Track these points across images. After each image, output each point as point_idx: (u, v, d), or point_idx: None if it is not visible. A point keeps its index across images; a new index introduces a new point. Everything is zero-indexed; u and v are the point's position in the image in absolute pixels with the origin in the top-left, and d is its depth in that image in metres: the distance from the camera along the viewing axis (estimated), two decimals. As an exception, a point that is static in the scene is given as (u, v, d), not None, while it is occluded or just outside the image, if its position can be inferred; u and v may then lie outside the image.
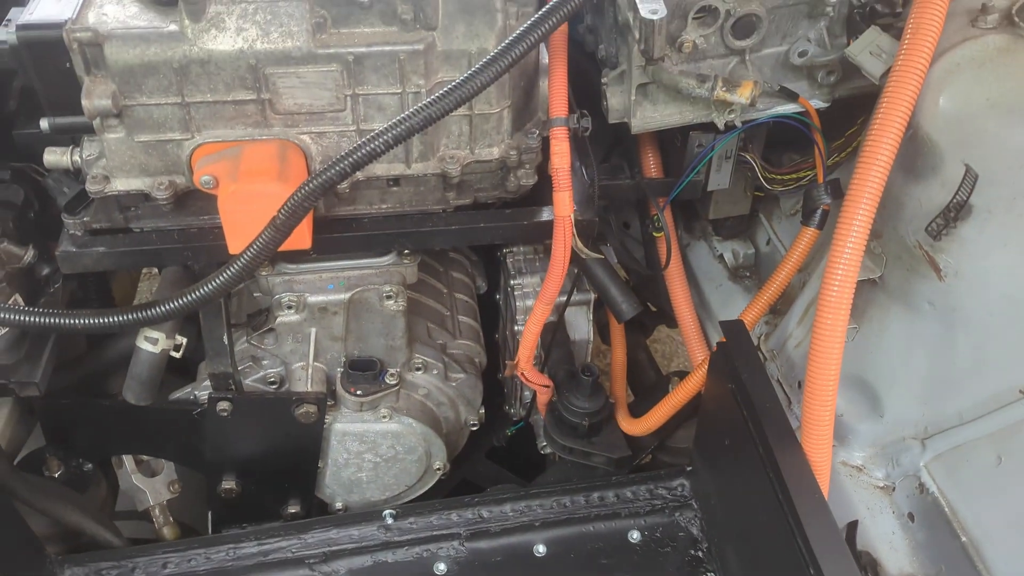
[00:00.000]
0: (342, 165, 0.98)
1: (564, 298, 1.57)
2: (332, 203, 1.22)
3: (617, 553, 1.46)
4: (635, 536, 1.46)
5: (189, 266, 1.26)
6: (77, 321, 1.04)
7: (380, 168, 1.20)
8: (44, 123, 1.12)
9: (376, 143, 0.97)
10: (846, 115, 1.28)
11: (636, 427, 1.50)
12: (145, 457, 1.56)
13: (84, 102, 1.05)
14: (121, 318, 1.04)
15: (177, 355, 1.23)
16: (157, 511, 1.58)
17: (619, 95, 1.22)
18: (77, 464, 1.54)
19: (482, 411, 1.59)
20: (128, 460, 1.55)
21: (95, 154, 1.16)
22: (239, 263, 1.02)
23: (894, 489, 1.24)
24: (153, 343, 1.16)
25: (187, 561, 1.42)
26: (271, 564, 1.43)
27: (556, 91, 1.18)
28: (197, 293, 1.04)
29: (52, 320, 1.03)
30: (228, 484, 1.46)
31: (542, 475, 1.69)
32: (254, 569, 1.42)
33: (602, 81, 1.23)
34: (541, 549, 1.45)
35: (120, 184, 1.15)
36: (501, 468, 1.82)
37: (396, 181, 1.23)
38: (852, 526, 1.22)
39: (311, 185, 0.99)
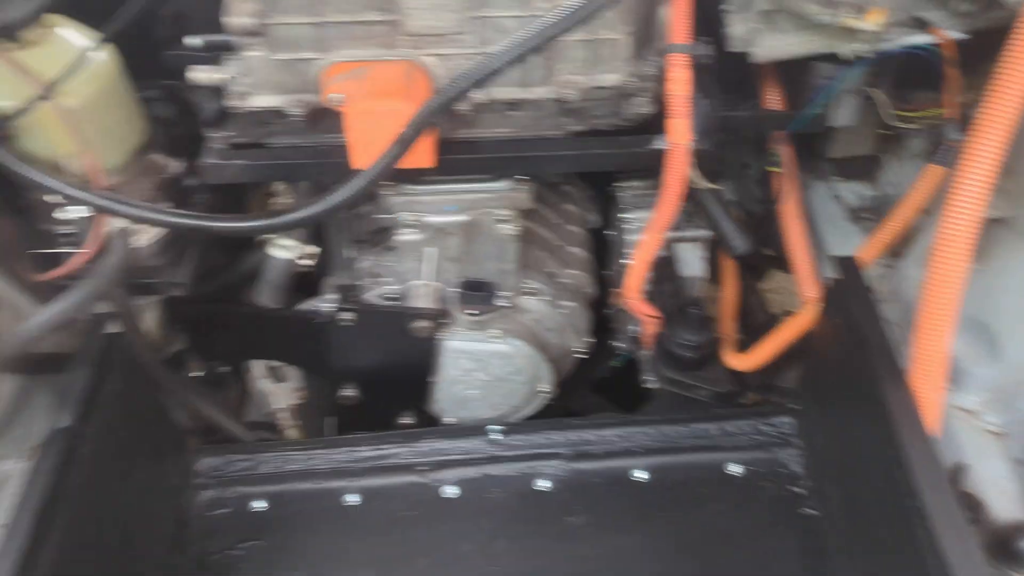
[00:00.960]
0: (463, 83, 1.02)
1: (675, 232, 1.58)
2: (454, 125, 1.27)
3: (715, 484, 1.48)
4: (734, 469, 1.48)
5: (320, 182, 1.33)
6: (221, 224, 1.13)
7: (499, 91, 1.23)
8: (194, 40, 1.20)
9: (495, 62, 1.01)
10: (984, 50, 1.22)
11: (742, 362, 1.50)
12: (275, 364, 1.69)
13: (228, 19, 1.13)
14: (258, 223, 1.13)
15: (310, 262, 1.31)
16: (283, 414, 1.71)
17: (741, 22, 1.20)
18: (214, 366, 1.67)
19: (588, 339, 1.62)
20: (259, 367, 1.68)
21: (236, 72, 1.24)
22: (366, 176, 1.08)
23: (1008, 435, 1.21)
24: (285, 250, 1.25)
25: (308, 459, 1.54)
26: (385, 468, 1.53)
27: (678, 16, 1.18)
28: (326, 203, 1.11)
29: (198, 222, 1.12)
30: (348, 391, 1.56)
31: (645, 405, 1.72)
32: (369, 472, 1.53)
33: (723, 7, 1.22)
34: (640, 474, 1.49)
35: (258, 101, 1.23)
36: (604, 400, 1.86)
37: (514, 105, 1.26)
38: (960, 468, 1.20)
39: (434, 102, 1.04)
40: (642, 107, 1.28)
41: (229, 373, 1.68)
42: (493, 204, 1.37)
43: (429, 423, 1.68)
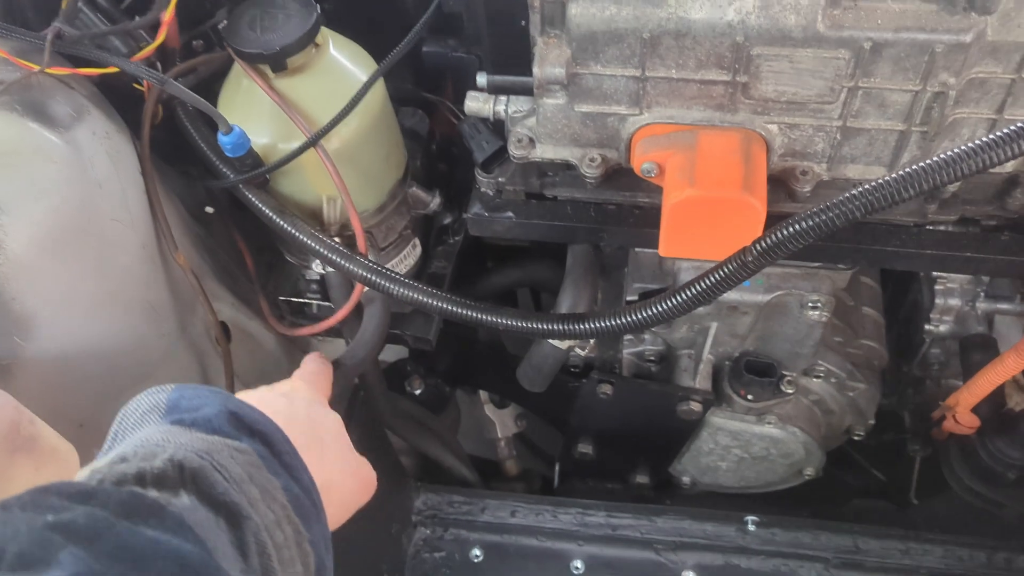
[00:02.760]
0: (852, 206, 0.77)
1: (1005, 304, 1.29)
2: (779, 198, 1.01)
3: (1017, 629, 1.24)
4: (1043, 615, 1.23)
5: (598, 247, 1.12)
6: (498, 320, 0.95)
7: (853, 170, 0.96)
8: (481, 78, 0.99)
9: (916, 181, 0.74)
10: None
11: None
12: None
13: (536, 69, 0.91)
14: (547, 326, 0.93)
15: (581, 353, 1.13)
16: (503, 443, 1.57)
17: None
18: (437, 384, 1.54)
19: (871, 422, 1.37)
20: (482, 392, 1.54)
21: (523, 112, 1.02)
22: (688, 295, 0.86)
23: None
24: (561, 342, 1.06)
25: (535, 515, 1.40)
26: (617, 539, 1.37)
27: None
28: (627, 317, 0.90)
29: (486, 316, 0.94)
30: (584, 448, 1.39)
31: (923, 504, 1.46)
32: (600, 540, 1.37)
33: None
34: (921, 600, 1.27)
35: (547, 152, 1.02)
36: (862, 461, 1.61)
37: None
38: None
39: (805, 224, 0.79)
40: (1036, 198, 0.97)
41: (451, 394, 1.55)
42: (804, 286, 1.12)
43: (663, 484, 1.50)
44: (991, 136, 0.71)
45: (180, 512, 0.50)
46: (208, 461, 0.54)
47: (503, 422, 1.55)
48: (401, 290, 0.95)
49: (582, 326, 0.92)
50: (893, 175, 0.76)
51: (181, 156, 1.14)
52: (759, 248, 0.82)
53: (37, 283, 0.86)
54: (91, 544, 0.45)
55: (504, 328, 0.95)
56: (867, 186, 0.76)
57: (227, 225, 1.22)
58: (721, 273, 0.84)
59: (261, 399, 0.70)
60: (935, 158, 0.73)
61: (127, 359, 1.01)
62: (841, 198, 0.78)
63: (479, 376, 1.50)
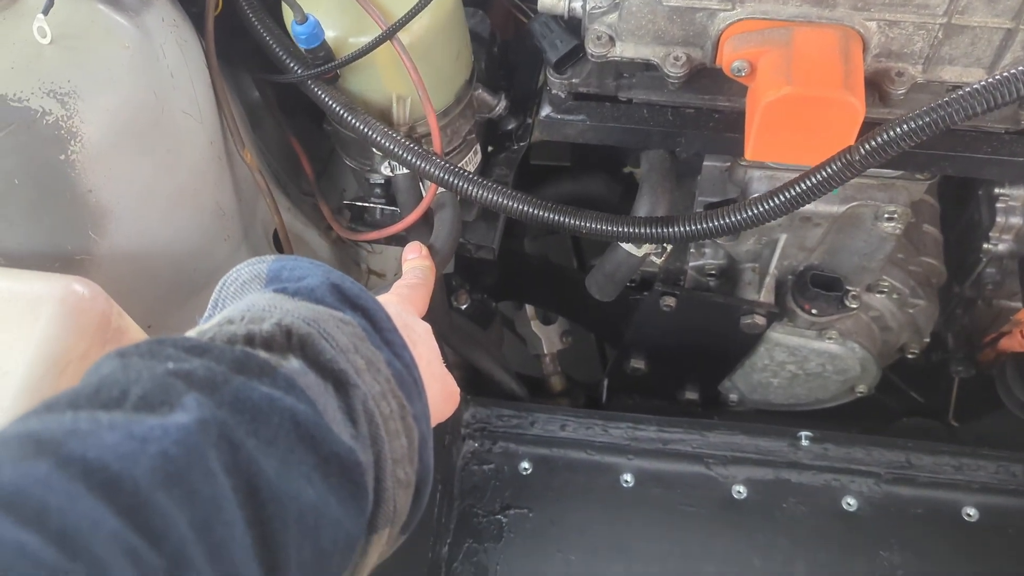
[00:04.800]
0: (971, 101, 0.73)
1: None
2: (871, 102, 0.98)
3: (1067, 541, 1.25)
4: (1096, 527, 1.24)
5: (674, 152, 1.09)
6: (580, 223, 0.92)
7: (950, 72, 0.93)
8: (557, -24, 0.95)
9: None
10: None
11: None
12: (546, 307, 1.52)
13: (626, -43, 0.86)
14: (631, 229, 0.91)
15: (658, 261, 1.10)
16: (548, 359, 1.56)
17: None
18: (483, 299, 1.52)
19: (927, 340, 1.36)
20: (529, 308, 1.52)
21: (603, 7, 0.98)
22: (786, 196, 0.83)
23: None
24: (638, 246, 1.03)
25: (585, 428, 1.39)
26: (668, 453, 1.37)
27: None
28: (723, 220, 0.87)
29: (556, 216, 0.91)
30: (637, 363, 1.38)
31: (974, 421, 1.47)
32: (650, 454, 1.37)
33: None
34: (972, 512, 1.28)
35: (628, 50, 0.97)
36: (910, 389, 1.61)
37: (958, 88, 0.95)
38: None
39: (920, 122, 0.76)
40: None
41: (496, 309, 1.53)
42: (881, 197, 1.09)
43: (711, 402, 1.49)
44: None
45: (291, 374, 0.49)
46: (315, 328, 0.53)
47: (549, 338, 1.54)
48: (481, 192, 0.92)
49: (669, 229, 0.89)
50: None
51: (241, 55, 1.10)
52: (867, 147, 0.79)
53: (113, 175, 0.83)
54: (212, 393, 0.45)
55: (588, 232, 0.92)
56: (995, 78, 0.73)
57: (282, 127, 1.18)
58: (826, 172, 0.81)
59: None
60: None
61: (194, 262, 0.98)
62: (960, 93, 0.74)
63: (526, 291, 1.48)
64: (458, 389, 0.80)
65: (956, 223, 1.42)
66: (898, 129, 0.77)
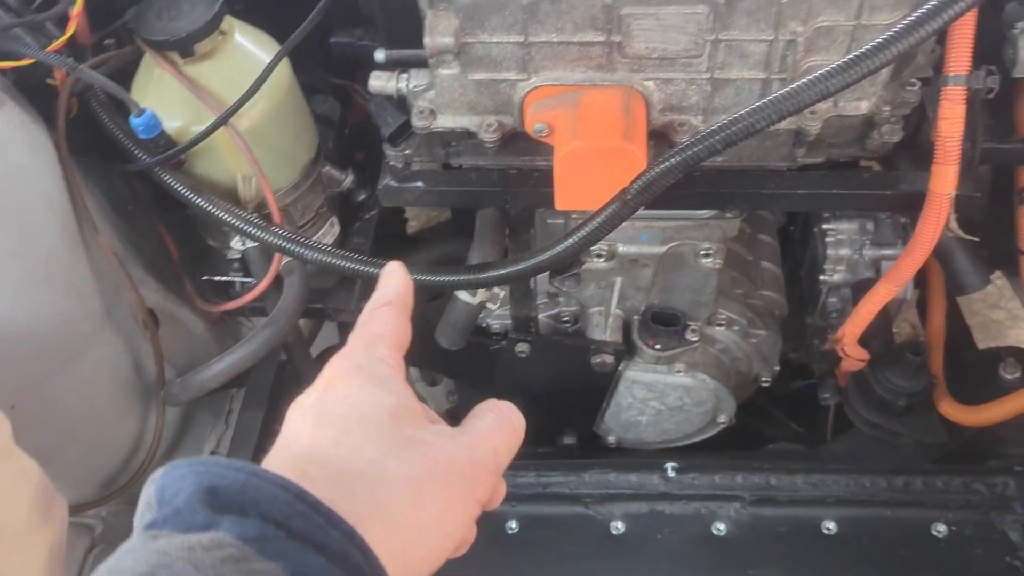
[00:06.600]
0: (712, 141, 0.85)
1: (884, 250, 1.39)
2: (664, 152, 1.10)
3: (918, 545, 1.33)
4: (940, 530, 1.32)
5: (504, 211, 1.20)
6: (419, 277, 1.01)
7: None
8: (379, 55, 1.06)
9: (759, 117, 0.83)
10: None
11: (964, 416, 1.32)
12: (429, 368, 1.59)
13: (426, 39, 0.98)
14: (452, 278, 1.00)
15: (493, 308, 1.20)
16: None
17: (1036, 46, 0.99)
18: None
19: (776, 368, 1.47)
20: (413, 370, 1.59)
21: (423, 85, 1.09)
22: (578, 237, 0.94)
23: None
24: (472, 295, 1.13)
25: (468, 481, 1.45)
26: (548, 496, 1.43)
27: (958, 41, 0.96)
28: (530, 262, 0.97)
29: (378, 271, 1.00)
30: (511, 413, 1.45)
31: (832, 441, 1.56)
32: (532, 499, 1.43)
33: (1014, 27, 1.00)
34: (831, 526, 1.36)
35: (447, 121, 1.09)
36: (780, 415, 1.71)
37: (741, 133, 1.08)
38: None
39: (672, 161, 0.87)
40: (890, 135, 1.08)
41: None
42: (696, 235, 1.21)
43: (591, 443, 1.57)
44: (812, 76, 0.81)
45: None
46: None
47: (435, 398, 1.60)
48: (314, 254, 1.01)
49: (486, 274, 0.99)
50: (744, 110, 0.85)
51: (101, 152, 1.18)
52: (636, 186, 0.91)
53: (-41, 263, 0.90)
54: None
55: (418, 283, 1.01)
56: (723, 122, 0.85)
57: (149, 217, 1.26)
58: (607, 212, 0.92)
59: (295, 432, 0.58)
60: (774, 95, 0.83)
61: (54, 341, 1.04)
62: (702, 134, 0.86)
63: (411, 357, 1.55)
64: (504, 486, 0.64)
65: (803, 260, 1.55)
66: (658, 168, 0.89)
